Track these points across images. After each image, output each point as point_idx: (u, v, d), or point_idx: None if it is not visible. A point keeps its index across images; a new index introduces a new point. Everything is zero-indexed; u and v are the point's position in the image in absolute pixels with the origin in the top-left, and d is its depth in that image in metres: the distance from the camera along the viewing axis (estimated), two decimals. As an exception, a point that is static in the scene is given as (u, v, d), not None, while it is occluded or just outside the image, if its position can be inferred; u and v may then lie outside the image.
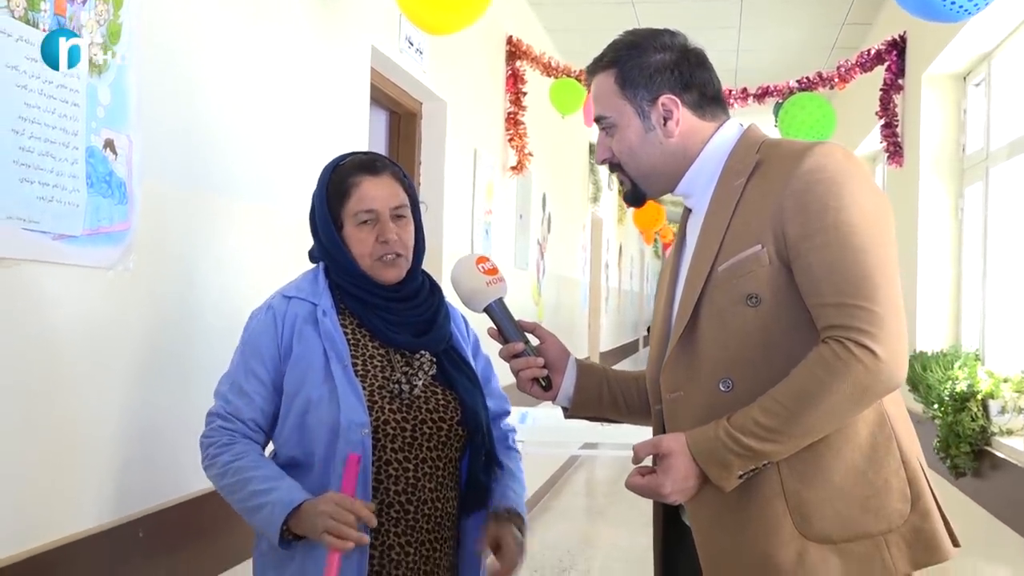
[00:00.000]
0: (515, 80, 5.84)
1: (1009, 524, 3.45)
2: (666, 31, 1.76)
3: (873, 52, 5.62)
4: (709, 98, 1.75)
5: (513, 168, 5.85)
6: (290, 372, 1.96)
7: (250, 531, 2.36)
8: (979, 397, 3.75)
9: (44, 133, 1.85)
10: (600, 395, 1.93)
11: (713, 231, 1.68)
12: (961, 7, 2.45)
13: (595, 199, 9.74)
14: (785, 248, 1.59)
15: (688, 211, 1.84)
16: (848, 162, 1.60)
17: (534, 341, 1.92)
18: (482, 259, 1.90)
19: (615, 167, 1.81)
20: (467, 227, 5.02)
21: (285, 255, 2.78)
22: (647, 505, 1.80)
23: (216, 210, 2.45)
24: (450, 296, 2.20)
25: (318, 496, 1.84)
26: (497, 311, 1.88)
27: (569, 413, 1.95)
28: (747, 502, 1.60)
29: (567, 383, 1.91)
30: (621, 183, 1.83)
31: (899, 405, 1.67)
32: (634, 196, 1.82)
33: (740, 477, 1.58)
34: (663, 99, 1.72)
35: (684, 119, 1.73)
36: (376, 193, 1.99)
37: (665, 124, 1.73)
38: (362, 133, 3.49)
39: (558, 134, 7.34)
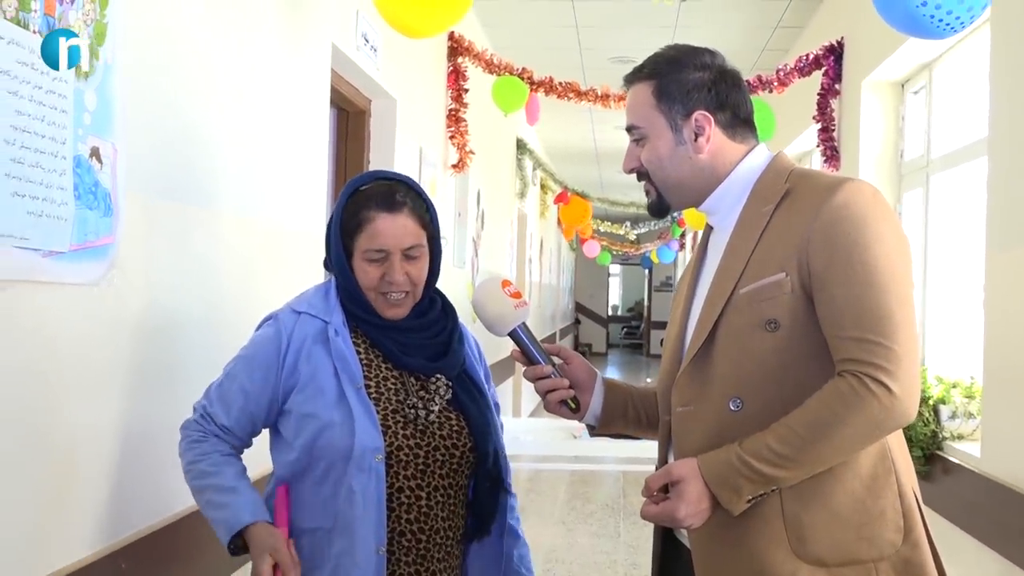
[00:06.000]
0: (457, 76, 5.74)
1: (962, 527, 3.52)
2: (706, 50, 1.80)
3: (812, 57, 5.69)
4: (741, 120, 1.79)
5: (454, 166, 5.76)
6: (298, 394, 1.88)
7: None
8: (930, 403, 3.82)
9: (34, 143, 1.71)
10: (625, 412, 1.95)
11: (737, 254, 1.71)
12: (948, 25, 2.48)
13: (522, 195, 9.70)
14: (809, 278, 1.62)
15: (710, 228, 1.86)
16: (876, 200, 1.65)
17: (557, 361, 1.91)
18: (506, 282, 1.87)
19: (642, 176, 1.83)
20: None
21: (264, 265, 2.67)
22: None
23: (195, 221, 2.33)
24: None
25: (273, 525, 1.82)
26: (523, 335, 1.85)
27: (595, 431, 1.96)
28: (746, 520, 1.63)
29: (595, 402, 1.93)
30: (647, 193, 1.84)
31: (899, 437, 1.71)
32: (658, 207, 1.84)
33: (748, 501, 1.61)
34: (697, 115, 1.75)
35: (715, 137, 1.76)
36: (389, 232, 1.90)
37: (696, 140, 1.76)
38: (323, 135, 3.38)
39: (491, 130, 7.27)
